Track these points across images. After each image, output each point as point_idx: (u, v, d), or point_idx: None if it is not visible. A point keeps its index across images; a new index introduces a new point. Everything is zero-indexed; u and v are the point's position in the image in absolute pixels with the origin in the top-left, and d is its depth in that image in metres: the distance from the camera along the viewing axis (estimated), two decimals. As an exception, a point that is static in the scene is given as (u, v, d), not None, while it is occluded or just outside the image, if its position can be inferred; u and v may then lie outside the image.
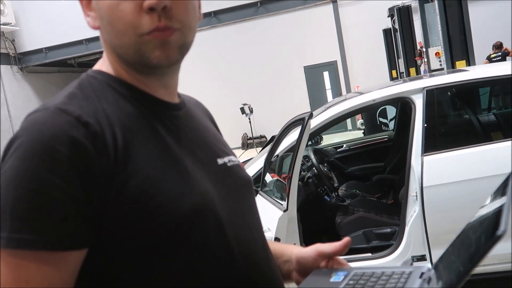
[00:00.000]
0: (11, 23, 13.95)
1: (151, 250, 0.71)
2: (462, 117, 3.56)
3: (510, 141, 2.82)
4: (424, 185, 2.78)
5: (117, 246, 0.70)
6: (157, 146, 0.76)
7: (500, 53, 10.45)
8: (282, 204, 2.74)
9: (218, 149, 0.89)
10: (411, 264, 0.79)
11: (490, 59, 10.38)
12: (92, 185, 0.67)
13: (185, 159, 0.78)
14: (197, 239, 0.74)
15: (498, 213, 0.61)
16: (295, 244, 2.70)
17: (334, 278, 0.78)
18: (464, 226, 0.73)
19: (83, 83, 0.78)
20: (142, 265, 0.71)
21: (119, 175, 0.69)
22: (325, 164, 4.30)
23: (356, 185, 4.35)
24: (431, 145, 2.89)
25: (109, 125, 0.72)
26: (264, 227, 2.97)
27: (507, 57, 10.32)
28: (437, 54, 7.45)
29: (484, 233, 0.63)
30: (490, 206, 0.69)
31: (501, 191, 0.69)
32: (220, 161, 0.86)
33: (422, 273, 0.71)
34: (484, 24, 11.04)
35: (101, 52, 0.83)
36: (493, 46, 10.76)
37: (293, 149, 2.77)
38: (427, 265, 0.73)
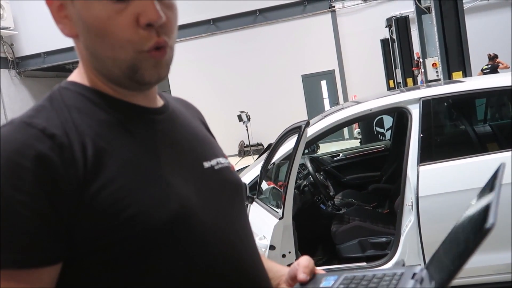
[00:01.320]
0: (9, 27, 13.97)
1: (129, 260, 0.69)
2: (458, 128, 3.58)
3: (505, 152, 2.84)
4: (419, 195, 2.78)
5: (94, 257, 0.68)
6: (133, 153, 0.73)
7: (490, 66, 10.54)
8: (277, 212, 2.75)
9: (205, 151, 0.87)
10: (403, 265, 0.78)
11: (483, 71, 10.48)
12: (59, 199, 0.65)
13: (164, 164, 0.76)
14: (177, 247, 0.72)
15: (486, 208, 0.61)
16: (290, 252, 2.70)
17: (325, 283, 0.77)
18: (453, 225, 0.74)
19: (53, 95, 0.76)
20: (120, 276, 0.70)
21: (89, 186, 0.67)
22: (322, 173, 4.31)
23: (352, 194, 4.36)
24: (427, 155, 2.90)
25: (79, 135, 0.70)
26: (260, 235, 2.97)
27: (498, 70, 10.41)
28: (434, 65, 7.47)
29: (473, 229, 0.63)
30: (477, 205, 0.69)
31: (487, 189, 0.69)
32: (206, 164, 0.84)
33: (414, 274, 0.70)
34: (481, 36, 11.11)
35: None
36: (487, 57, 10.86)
37: (290, 157, 2.77)
38: (419, 265, 0.73)
